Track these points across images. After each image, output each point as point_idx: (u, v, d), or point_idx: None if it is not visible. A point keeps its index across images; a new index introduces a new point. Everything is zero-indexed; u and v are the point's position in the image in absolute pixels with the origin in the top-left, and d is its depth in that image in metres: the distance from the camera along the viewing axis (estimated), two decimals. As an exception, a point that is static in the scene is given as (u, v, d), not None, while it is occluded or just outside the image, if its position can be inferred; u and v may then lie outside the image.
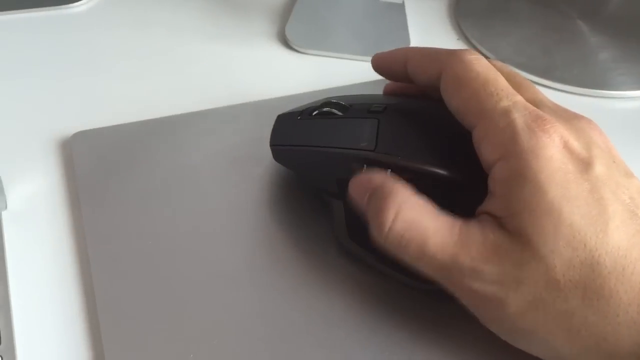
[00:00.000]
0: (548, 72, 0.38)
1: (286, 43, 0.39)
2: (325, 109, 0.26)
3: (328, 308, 0.25)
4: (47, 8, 0.41)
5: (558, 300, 0.19)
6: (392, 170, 0.23)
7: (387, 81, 0.28)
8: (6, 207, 0.28)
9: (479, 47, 0.40)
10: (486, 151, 0.21)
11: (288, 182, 0.29)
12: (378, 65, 0.27)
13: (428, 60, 0.24)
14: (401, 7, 0.42)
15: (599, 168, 0.20)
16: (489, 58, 0.39)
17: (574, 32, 0.41)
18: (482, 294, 0.20)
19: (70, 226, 0.28)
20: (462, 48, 0.24)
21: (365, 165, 0.24)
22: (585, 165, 0.20)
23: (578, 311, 0.19)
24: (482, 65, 0.22)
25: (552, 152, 0.20)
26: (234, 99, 0.34)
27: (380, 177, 0.23)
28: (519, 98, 0.21)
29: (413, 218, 0.21)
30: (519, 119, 0.20)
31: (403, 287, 0.25)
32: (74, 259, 0.27)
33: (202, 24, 0.41)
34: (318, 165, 0.26)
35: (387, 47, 0.39)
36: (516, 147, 0.20)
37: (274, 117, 0.29)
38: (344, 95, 0.28)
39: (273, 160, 0.28)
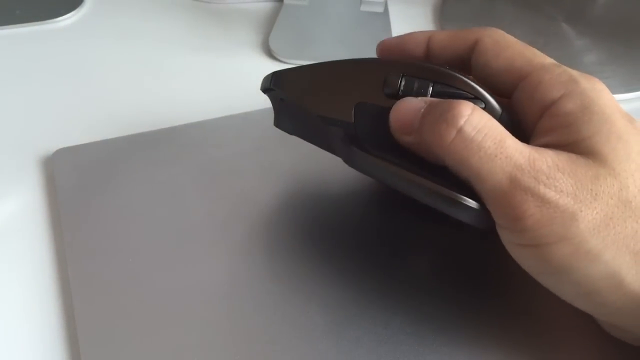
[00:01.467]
0: (533, 77, 0.38)
1: (270, 53, 0.39)
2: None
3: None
4: (31, 23, 0.41)
5: (629, 220, 0.19)
6: (435, 85, 0.22)
7: None
8: (-12, 227, 0.28)
9: (463, 52, 0.40)
10: (543, 94, 0.21)
11: (272, 196, 0.29)
12: (390, 47, 0.26)
13: (458, 35, 0.25)
14: (385, 15, 0.41)
15: (637, 124, 0.21)
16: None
17: (559, 35, 0.41)
18: (555, 204, 0.19)
19: (51, 244, 0.28)
20: None
21: (403, 77, 0.22)
22: (628, 117, 0.21)
23: None
24: (515, 36, 0.24)
25: (609, 96, 0.21)
26: (217, 112, 0.34)
27: (430, 99, 0.22)
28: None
29: (488, 118, 0.20)
30: (569, 69, 0.22)
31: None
32: (55, 277, 0.26)
33: (186, 35, 0.41)
34: (336, 85, 0.23)
35: (371, 54, 0.39)
36: (579, 86, 0.21)
37: (258, 130, 0.28)
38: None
39: (255, 174, 0.28)
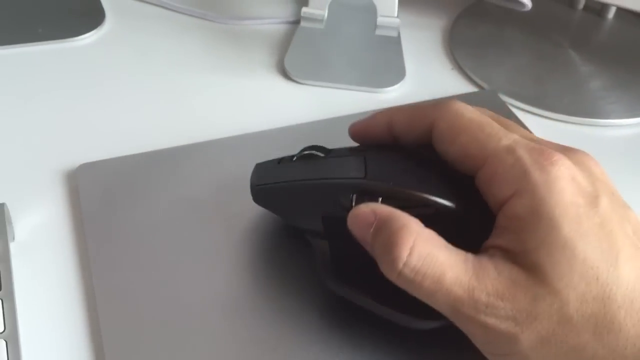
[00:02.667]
0: (540, 101, 0.39)
1: (285, 74, 0.41)
2: (306, 152, 0.26)
3: (318, 349, 0.25)
4: (53, 41, 0.42)
5: (570, 335, 0.19)
6: (383, 200, 0.23)
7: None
8: (14, 239, 0.29)
9: (472, 76, 0.41)
10: (497, 189, 0.21)
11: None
12: (358, 132, 0.27)
13: (414, 117, 0.24)
14: (397, 38, 0.43)
15: (605, 201, 0.20)
16: (483, 88, 0.40)
17: (565, 61, 0.43)
18: (496, 329, 0.20)
19: (75, 257, 0.29)
20: (448, 98, 0.24)
21: (354, 195, 0.23)
22: (592, 198, 0.20)
23: (589, 345, 0.19)
24: (471, 112, 0.23)
25: (564, 184, 0.20)
26: (234, 130, 0.35)
27: (385, 209, 0.22)
28: (516, 136, 0.22)
29: (428, 252, 0.21)
30: (525, 155, 0.21)
31: (394, 327, 0.24)
32: (80, 290, 0.27)
33: (204, 55, 0.42)
34: (302, 202, 0.25)
35: (383, 76, 0.40)
36: (529, 183, 0.20)
37: (274, 148, 0.29)
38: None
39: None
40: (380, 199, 0.23)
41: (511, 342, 0.20)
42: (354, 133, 0.27)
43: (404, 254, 0.21)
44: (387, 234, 0.21)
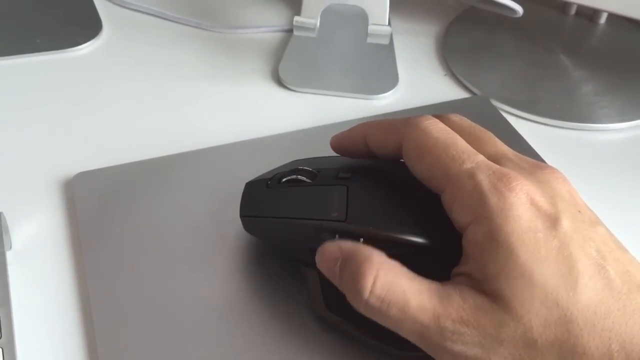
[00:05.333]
0: (532, 106, 0.39)
1: (279, 82, 0.41)
2: (293, 176, 0.27)
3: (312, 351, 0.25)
4: (51, 52, 0.43)
5: (537, 359, 0.19)
6: (365, 240, 0.23)
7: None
8: (11, 247, 0.30)
9: (465, 82, 0.41)
10: (457, 215, 0.22)
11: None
12: (338, 145, 0.27)
13: (386, 133, 0.25)
14: (389, 45, 0.43)
15: (566, 223, 0.20)
16: (475, 94, 0.41)
17: (557, 66, 0.43)
18: (463, 355, 0.20)
19: (71, 265, 0.29)
20: (419, 115, 0.24)
21: (337, 236, 0.24)
22: (552, 221, 0.20)
23: None
24: (439, 130, 0.23)
25: (520, 211, 0.20)
26: (229, 137, 0.36)
27: (349, 245, 0.23)
28: (480, 158, 0.22)
29: (391, 281, 0.21)
30: (484, 180, 0.21)
31: (382, 356, 0.25)
32: (76, 297, 0.28)
33: (199, 64, 0.43)
34: (289, 236, 0.26)
35: (376, 83, 0.41)
36: (485, 210, 0.21)
37: (268, 156, 0.30)
38: (313, 158, 0.29)
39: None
40: (361, 239, 0.23)
41: None
42: (334, 145, 0.27)
43: (368, 284, 0.21)
44: (352, 268, 0.22)
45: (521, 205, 0.20)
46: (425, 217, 0.23)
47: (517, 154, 0.24)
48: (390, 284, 0.21)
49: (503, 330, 0.20)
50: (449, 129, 0.23)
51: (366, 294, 0.21)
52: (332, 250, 0.23)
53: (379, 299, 0.21)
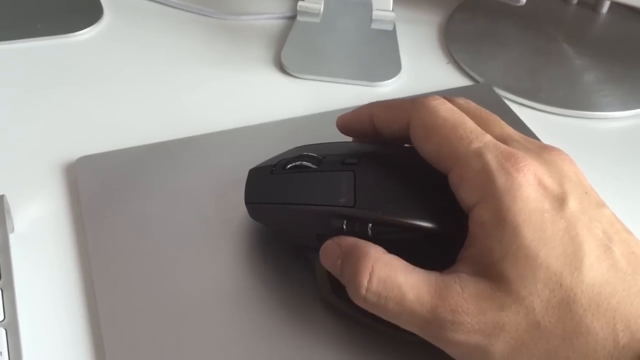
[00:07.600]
0: (534, 94, 0.39)
1: (282, 68, 0.41)
2: (298, 162, 0.26)
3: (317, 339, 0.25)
4: (52, 37, 0.43)
5: (540, 341, 0.19)
6: (373, 225, 0.23)
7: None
8: (13, 230, 0.30)
9: (467, 69, 0.41)
10: (464, 194, 0.22)
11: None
12: (344, 126, 0.27)
13: (393, 113, 0.25)
14: (392, 32, 0.43)
15: (573, 203, 0.20)
16: (478, 82, 0.41)
17: (559, 54, 0.43)
18: (465, 344, 0.20)
19: (74, 248, 0.29)
20: (427, 95, 0.24)
21: (345, 221, 0.24)
22: (559, 201, 0.20)
23: (560, 350, 0.19)
24: (447, 110, 0.23)
25: (528, 191, 0.20)
26: (232, 123, 0.36)
27: (348, 241, 0.23)
28: (488, 138, 0.22)
29: (387, 275, 0.21)
30: (492, 160, 0.21)
31: (390, 339, 0.25)
32: (79, 280, 0.28)
33: (201, 49, 0.43)
34: (296, 222, 0.26)
35: (379, 70, 0.41)
36: (493, 190, 0.20)
37: (270, 141, 0.29)
38: (317, 144, 0.28)
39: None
40: (370, 225, 0.23)
41: (484, 355, 0.20)
42: (340, 125, 0.27)
43: (364, 280, 0.22)
44: (351, 264, 0.22)
45: (529, 186, 0.20)
46: (434, 202, 0.23)
47: (524, 135, 0.24)
48: (386, 279, 0.21)
49: (504, 314, 0.20)
50: (457, 109, 0.23)
51: (363, 290, 0.22)
52: (333, 248, 0.23)
53: (376, 294, 0.21)
